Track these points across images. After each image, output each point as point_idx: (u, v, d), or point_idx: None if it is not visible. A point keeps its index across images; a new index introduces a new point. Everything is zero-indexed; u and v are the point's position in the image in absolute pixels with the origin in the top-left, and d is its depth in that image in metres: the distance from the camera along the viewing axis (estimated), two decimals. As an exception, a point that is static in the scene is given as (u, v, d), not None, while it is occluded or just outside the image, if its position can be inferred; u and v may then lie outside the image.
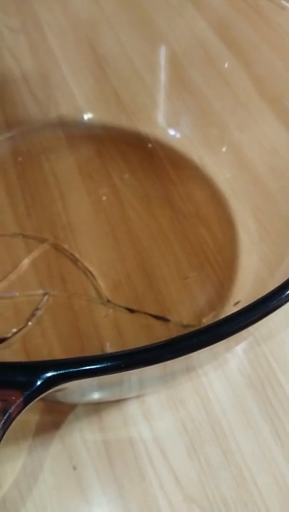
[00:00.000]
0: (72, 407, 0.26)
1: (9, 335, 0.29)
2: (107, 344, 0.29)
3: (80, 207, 0.34)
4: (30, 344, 0.29)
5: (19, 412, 0.15)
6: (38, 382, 0.15)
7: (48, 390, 0.15)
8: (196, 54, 0.39)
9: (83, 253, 0.32)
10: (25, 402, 0.15)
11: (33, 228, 0.33)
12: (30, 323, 0.29)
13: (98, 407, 0.26)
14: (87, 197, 0.34)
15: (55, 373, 0.15)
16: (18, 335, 0.29)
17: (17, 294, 0.30)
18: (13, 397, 0.15)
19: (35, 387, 0.15)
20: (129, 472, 0.24)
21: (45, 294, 0.30)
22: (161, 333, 0.29)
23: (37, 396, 0.15)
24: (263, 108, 0.34)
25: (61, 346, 0.29)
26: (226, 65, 0.37)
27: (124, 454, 0.25)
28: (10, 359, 0.28)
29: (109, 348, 0.28)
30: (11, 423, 0.15)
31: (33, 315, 0.30)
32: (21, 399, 0.15)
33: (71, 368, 0.15)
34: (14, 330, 0.29)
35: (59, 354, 0.28)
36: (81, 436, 0.25)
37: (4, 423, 0.15)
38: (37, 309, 0.30)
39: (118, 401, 0.27)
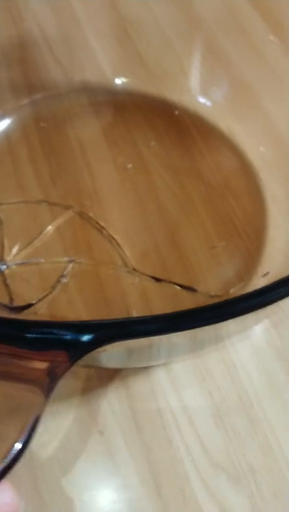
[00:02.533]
0: (100, 372, 0.26)
1: (35, 301, 0.29)
2: (134, 312, 0.28)
3: (107, 175, 0.33)
4: (56, 310, 0.29)
5: (64, 373, 0.15)
6: (84, 342, 0.15)
7: (92, 350, 0.15)
8: (228, 21, 0.37)
9: (110, 222, 0.31)
10: (71, 363, 0.15)
11: (58, 196, 0.33)
12: (55, 290, 0.29)
13: (126, 374, 0.26)
14: (113, 165, 0.34)
15: (101, 333, 0.15)
16: (43, 301, 0.29)
17: (42, 260, 0.30)
18: (59, 358, 0.15)
19: (80, 347, 0.15)
20: (156, 438, 0.25)
21: (70, 261, 0.30)
22: (188, 303, 0.29)
23: (81, 356, 0.15)
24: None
25: (87, 313, 0.29)
26: (259, 35, 0.36)
27: (151, 421, 0.25)
28: None
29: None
30: (56, 384, 0.15)
31: (58, 282, 0.29)
32: (67, 360, 0.15)
33: (117, 329, 0.15)
34: (40, 296, 0.29)
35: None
36: (108, 402, 0.25)
37: (51, 384, 0.14)
38: (62, 276, 0.30)
39: (145, 368, 0.27)
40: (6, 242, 0.31)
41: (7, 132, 0.36)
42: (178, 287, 0.29)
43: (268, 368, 0.27)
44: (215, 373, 0.26)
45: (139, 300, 0.29)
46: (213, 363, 0.27)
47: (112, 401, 0.25)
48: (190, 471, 0.24)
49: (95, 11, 0.40)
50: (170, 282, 0.29)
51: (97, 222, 0.32)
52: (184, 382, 0.26)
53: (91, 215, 0.32)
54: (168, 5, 0.39)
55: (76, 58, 0.40)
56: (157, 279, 0.29)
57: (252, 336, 0.28)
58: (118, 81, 0.39)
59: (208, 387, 0.26)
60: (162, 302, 0.29)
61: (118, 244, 0.31)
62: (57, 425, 0.25)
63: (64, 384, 0.26)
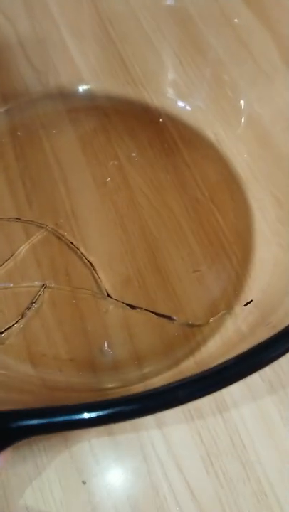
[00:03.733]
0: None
1: (2, 329, 0.27)
2: (105, 343, 0.27)
3: (85, 192, 0.31)
4: (27, 339, 0.27)
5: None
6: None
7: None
8: (211, 13, 0.35)
9: (88, 244, 0.29)
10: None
11: (33, 214, 0.31)
12: (25, 317, 0.27)
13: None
14: (92, 181, 0.32)
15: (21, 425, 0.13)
16: (12, 329, 0.27)
17: (11, 285, 0.28)
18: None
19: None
20: (141, 487, 0.23)
21: (42, 286, 0.28)
22: (170, 331, 0.27)
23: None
24: (287, 76, 0.31)
25: (64, 343, 0.27)
26: (245, 25, 0.33)
27: (136, 468, 0.23)
28: (1, 355, 0.26)
29: (108, 348, 0.27)
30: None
31: (28, 308, 0.28)
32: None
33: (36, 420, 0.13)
34: (9, 324, 0.27)
35: (61, 350, 0.26)
36: (91, 449, 0.24)
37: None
38: (33, 302, 0.28)
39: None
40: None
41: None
42: (154, 315, 0.27)
43: (261, 404, 0.25)
44: (204, 412, 0.24)
45: (113, 329, 0.27)
46: (203, 402, 0.25)
47: (94, 447, 0.24)
48: (178, 524, 0.22)
49: (72, 9, 0.37)
50: (146, 310, 0.27)
51: (72, 243, 0.29)
52: (171, 422, 0.24)
53: (65, 234, 0.30)
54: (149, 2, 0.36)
55: (51, 61, 0.37)
56: (132, 307, 0.27)
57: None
58: (96, 85, 0.36)
59: (197, 428, 0.24)
60: (138, 331, 0.27)
61: (93, 268, 0.29)
62: (40, 474, 0.23)
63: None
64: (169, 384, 0.14)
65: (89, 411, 0.13)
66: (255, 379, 0.25)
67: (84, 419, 0.13)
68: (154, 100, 0.35)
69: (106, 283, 0.28)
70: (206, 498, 0.23)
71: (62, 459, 0.23)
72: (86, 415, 0.13)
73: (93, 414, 0.13)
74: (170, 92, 0.35)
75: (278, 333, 0.15)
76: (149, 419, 0.24)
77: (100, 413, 0.13)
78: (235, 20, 0.34)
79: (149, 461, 0.23)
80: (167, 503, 0.23)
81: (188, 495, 0.23)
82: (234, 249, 0.29)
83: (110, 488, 0.23)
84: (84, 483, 0.23)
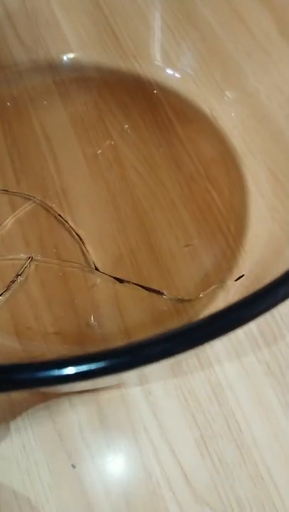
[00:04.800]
0: (73, 399, 0.23)
1: None
2: (92, 316, 0.26)
3: (75, 169, 0.30)
4: (13, 311, 0.26)
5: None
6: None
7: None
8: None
9: (79, 222, 0.28)
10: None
11: (21, 191, 0.30)
12: (11, 289, 0.26)
13: (99, 398, 0.24)
14: (82, 158, 0.30)
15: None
16: None
17: None
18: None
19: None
20: (133, 471, 0.22)
21: (28, 259, 0.27)
22: (158, 307, 0.26)
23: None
24: (284, 50, 0.30)
25: (49, 314, 0.26)
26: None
27: (127, 451, 0.22)
28: None
29: (94, 321, 0.25)
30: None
31: (13, 281, 0.26)
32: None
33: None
34: None
35: (46, 323, 0.25)
36: (80, 432, 0.23)
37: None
38: (18, 275, 0.26)
39: (120, 389, 0.24)
40: None
41: None
42: (144, 290, 0.26)
43: (257, 386, 0.24)
44: (199, 395, 0.24)
45: (105, 302, 0.26)
46: (197, 383, 0.24)
47: (84, 431, 0.23)
48: (172, 509, 0.21)
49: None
50: (134, 284, 0.26)
51: (60, 215, 0.28)
52: (165, 405, 0.23)
53: (54, 207, 0.29)
54: None
55: (40, 33, 0.36)
56: (120, 281, 0.26)
57: (238, 350, 0.25)
58: (86, 58, 0.35)
59: (191, 411, 0.23)
60: (126, 305, 0.26)
61: (82, 240, 0.28)
62: (27, 458, 0.22)
63: (34, 414, 0.23)
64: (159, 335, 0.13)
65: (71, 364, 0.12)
66: (251, 360, 0.24)
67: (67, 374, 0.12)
68: (146, 73, 0.34)
69: (97, 260, 0.27)
70: (200, 482, 0.22)
71: (50, 441, 0.22)
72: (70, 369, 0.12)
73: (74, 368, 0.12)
74: (162, 65, 0.34)
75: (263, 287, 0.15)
76: (141, 401, 0.23)
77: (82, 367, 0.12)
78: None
79: (141, 444, 0.23)
80: (160, 487, 0.22)
81: (181, 479, 0.22)
82: (229, 225, 0.28)
83: (101, 473, 0.22)
84: (74, 467, 0.22)
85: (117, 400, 0.24)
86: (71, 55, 0.35)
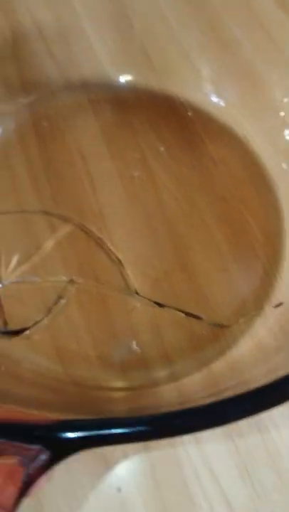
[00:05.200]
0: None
1: (30, 324, 0.26)
2: (134, 342, 0.26)
3: (111, 189, 0.30)
4: (54, 336, 0.26)
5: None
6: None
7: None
8: (236, 5, 0.34)
9: (116, 243, 0.29)
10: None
11: (59, 212, 0.30)
12: (52, 312, 0.27)
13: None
14: (118, 178, 0.31)
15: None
16: (39, 325, 0.27)
17: (39, 279, 0.28)
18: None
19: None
20: (176, 495, 0.23)
21: (70, 281, 0.27)
22: (196, 331, 0.26)
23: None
24: None
25: (90, 340, 0.26)
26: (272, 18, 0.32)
27: (171, 475, 0.23)
28: (28, 351, 0.26)
29: (136, 346, 0.26)
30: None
31: (56, 303, 0.27)
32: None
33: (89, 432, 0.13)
34: (36, 319, 0.27)
35: (88, 346, 0.26)
36: (125, 456, 0.23)
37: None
38: (60, 297, 0.27)
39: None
40: (2, 257, 0.28)
41: (2, 138, 0.33)
42: (182, 314, 0.27)
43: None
44: (239, 422, 0.24)
45: (141, 327, 0.27)
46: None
47: (129, 454, 0.23)
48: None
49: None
50: (174, 309, 0.27)
51: (99, 238, 0.29)
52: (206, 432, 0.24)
53: (93, 229, 0.29)
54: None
55: (72, 52, 0.36)
56: (160, 305, 0.27)
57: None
58: (120, 77, 0.35)
59: (232, 437, 0.24)
60: (166, 330, 0.26)
61: (121, 263, 0.28)
62: (72, 481, 0.23)
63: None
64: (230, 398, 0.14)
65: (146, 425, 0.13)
66: None
67: (145, 432, 0.13)
68: (179, 94, 0.34)
69: (135, 283, 0.27)
70: (241, 507, 0.22)
71: (96, 463, 0.23)
72: (143, 428, 0.13)
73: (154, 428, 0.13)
74: (196, 87, 0.34)
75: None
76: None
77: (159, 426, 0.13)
78: (263, 14, 0.33)
79: (184, 469, 0.23)
80: (203, 511, 0.22)
81: (223, 504, 0.23)
82: (263, 249, 0.29)
83: (145, 496, 0.23)
84: (119, 490, 0.23)
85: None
86: (104, 74, 0.35)
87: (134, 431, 0.13)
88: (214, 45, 0.34)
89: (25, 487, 0.12)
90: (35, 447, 0.12)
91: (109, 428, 0.13)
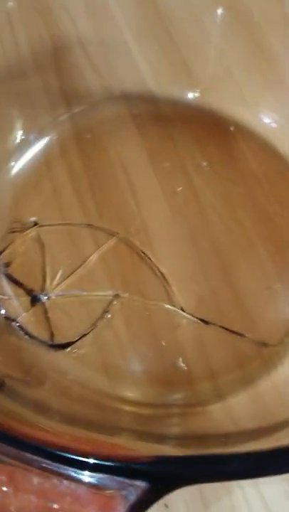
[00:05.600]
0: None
1: (75, 338, 0.27)
2: (180, 359, 0.26)
3: (155, 205, 0.31)
4: (102, 348, 0.27)
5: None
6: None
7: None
8: (277, 15, 0.33)
9: (160, 259, 0.29)
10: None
11: (101, 224, 0.31)
12: (98, 326, 0.27)
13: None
14: (161, 193, 0.31)
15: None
16: (84, 339, 0.27)
17: (85, 293, 0.28)
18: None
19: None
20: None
21: (115, 296, 0.28)
22: (242, 350, 0.27)
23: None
24: None
25: (135, 353, 0.27)
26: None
27: (218, 496, 0.23)
28: (75, 365, 0.26)
29: (182, 364, 0.26)
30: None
31: (101, 318, 0.28)
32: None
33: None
34: (81, 333, 0.27)
35: (133, 362, 0.27)
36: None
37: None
38: (106, 312, 0.28)
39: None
40: (47, 269, 0.29)
41: (45, 150, 0.33)
42: (227, 332, 0.27)
43: None
44: None
45: (190, 343, 0.27)
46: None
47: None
48: None
49: (133, 10, 0.37)
50: (220, 327, 0.27)
51: (144, 252, 0.29)
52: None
53: (137, 243, 0.30)
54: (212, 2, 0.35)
55: (115, 65, 0.37)
56: (206, 322, 0.27)
57: None
58: (162, 91, 0.35)
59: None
60: (212, 347, 0.27)
61: (165, 279, 0.28)
62: None
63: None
64: None
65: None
66: None
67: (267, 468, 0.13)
68: (221, 109, 0.34)
69: (179, 299, 0.28)
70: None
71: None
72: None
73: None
74: (238, 101, 0.34)
75: None
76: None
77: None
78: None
79: (233, 496, 0.23)
80: None
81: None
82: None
83: None
84: (166, 506, 0.23)
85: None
86: (145, 87, 0.36)
87: (253, 466, 0.13)
88: (257, 62, 0.34)
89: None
90: (139, 483, 0.13)
91: (221, 463, 0.13)
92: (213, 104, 0.35)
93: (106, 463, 0.13)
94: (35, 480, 0.13)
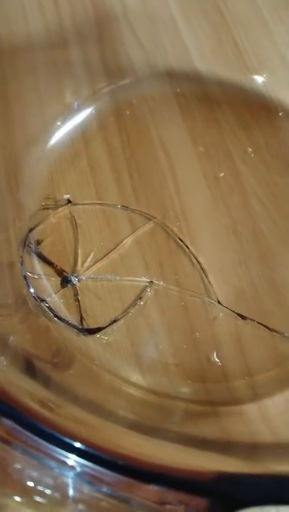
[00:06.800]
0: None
1: (106, 324, 0.26)
2: (214, 353, 0.25)
3: (195, 190, 0.29)
4: (135, 337, 0.26)
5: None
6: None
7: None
8: None
9: (199, 248, 0.28)
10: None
11: (138, 207, 0.29)
12: (130, 313, 0.26)
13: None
14: (203, 178, 0.30)
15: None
16: (115, 325, 0.26)
17: (118, 277, 0.27)
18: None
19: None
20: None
21: (149, 283, 0.27)
22: (281, 349, 0.26)
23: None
24: None
25: (169, 344, 0.25)
26: None
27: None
28: (105, 351, 0.25)
29: (216, 358, 0.25)
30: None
31: (134, 304, 0.26)
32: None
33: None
34: (112, 319, 0.26)
35: (167, 353, 0.25)
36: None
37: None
38: (139, 298, 0.26)
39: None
40: (79, 251, 0.28)
41: (83, 124, 0.32)
42: (266, 329, 0.26)
43: None
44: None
45: (226, 338, 0.26)
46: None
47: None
48: None
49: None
50: (257, 322, 0.26)
51: (181, 240, 0.28)
52: None
53: (175, 229, 0.28)
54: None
55: (160, 39, 0.35)
56: (243, 317, 0.26)
57: None
58: (208, 71, 0.34)
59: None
60: (254, 344, 0.25)
61: (203, 269, 0.27)
62: None
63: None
64: None
65: None
66: None
67: None
68: (270, 92, 0.33)
69: (217, 291, 0.26)
70: None
71: None
72: None
73: None
74: (288, 84, 0.32)
75: None
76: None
77: None
78: None
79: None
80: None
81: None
82: None
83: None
84: None
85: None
86: (191, 66, 0.34)
87: None
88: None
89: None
90: (203, 500, 0.12)
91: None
92: (263, 88, 0.33)
93: (170, 476, 0.12)
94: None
